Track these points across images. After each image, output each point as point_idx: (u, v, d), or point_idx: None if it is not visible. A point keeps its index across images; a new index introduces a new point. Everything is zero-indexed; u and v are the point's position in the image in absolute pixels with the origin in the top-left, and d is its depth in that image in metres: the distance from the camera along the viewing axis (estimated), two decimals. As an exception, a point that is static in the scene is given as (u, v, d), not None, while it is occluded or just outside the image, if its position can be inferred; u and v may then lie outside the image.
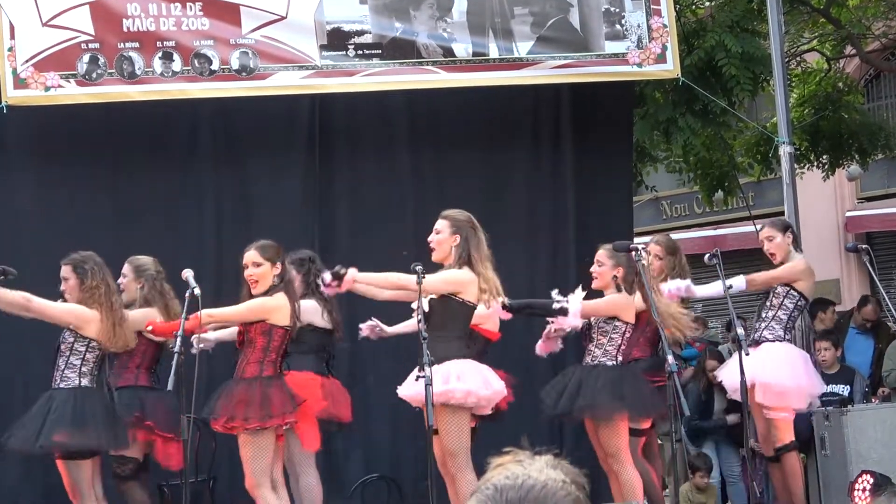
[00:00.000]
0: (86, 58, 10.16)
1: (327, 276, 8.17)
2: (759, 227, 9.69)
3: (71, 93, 10.16)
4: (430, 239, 8.25)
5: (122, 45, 10.22)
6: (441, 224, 8.23)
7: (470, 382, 7.99)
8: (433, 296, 8.12)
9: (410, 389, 8.02)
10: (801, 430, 11.11)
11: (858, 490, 9.31)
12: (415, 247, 10.02)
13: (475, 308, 8.23)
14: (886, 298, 9.11)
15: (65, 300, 8.21)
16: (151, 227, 10.52)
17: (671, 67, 10.89)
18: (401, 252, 9.59)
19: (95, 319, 8.03)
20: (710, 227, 22.13)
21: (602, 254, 8.69)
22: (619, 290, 8.62)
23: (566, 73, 10.85)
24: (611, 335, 8.58)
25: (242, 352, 8.12)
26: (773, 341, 8.77)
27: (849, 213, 21.29)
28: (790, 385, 8.82)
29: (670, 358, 7.91)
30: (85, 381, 8.01)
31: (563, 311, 8.42)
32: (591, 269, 8.72)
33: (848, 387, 11.42)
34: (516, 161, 11.45)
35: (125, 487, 8.64)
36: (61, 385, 8.03)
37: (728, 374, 9.13)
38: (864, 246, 9.65)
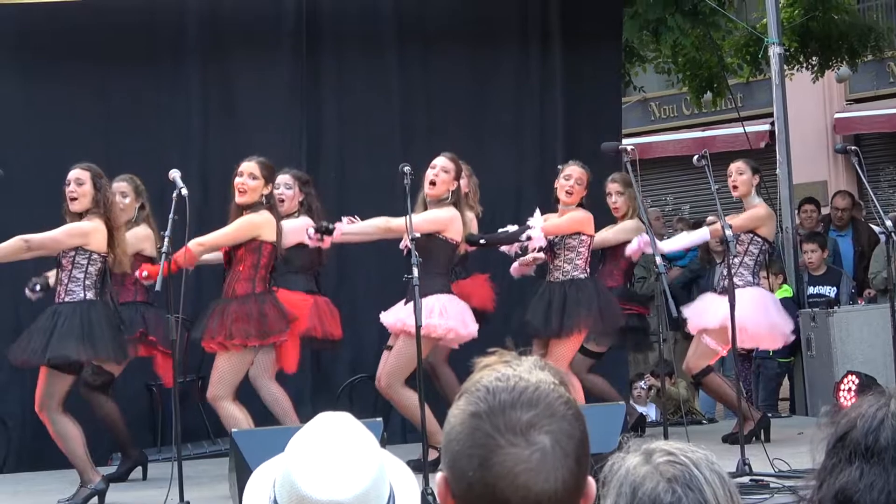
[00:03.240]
0: (69, -45, 10.03)
1: (312, 230, 8.17)
2: (740, 157, 9.60)
3: (54, -10, 10.04)
4: (434, 174, 8.28)
5: (105, -59, 10.10)
6: (449, 165, 8.32)
7: (452, 320, 8.20)
8: (417, 234, 8.13)
9: (391, 316, 8.31)
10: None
11: (844, 390, 9.39)
12: (400, 149, 9.99)
13: (458, 246, 8.46)
14: (875, 200, 9.09)
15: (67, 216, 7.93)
16: (137, 126, 10.42)
17: (661, -35, 10.80)
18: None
19: (96, 231, 7.77)
20: (698, 129, 22.07)
21: (580, 172, 8.77)
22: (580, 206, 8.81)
23: (555, -28, 10.75)
24: (578, 249, 8.76)
25: (230, 270, 8.01)
26: (744, 287, 8.87)
27: (837, 115, 21.22)
28: (764, 327, 9.00)
29: (658, 259, 8.00)
30: (90, 295, 7.82)
31: (528, 237, 8.57)
32: (571, 186, 8.75)
33: (835, 288, 11.46)
34: (504, 60, 11.37)
35: (91, 396, 8.61)
36: (66, 299, 7.83)
37: (693, 314, 9.25)
38: (852, 147, 9.60)
